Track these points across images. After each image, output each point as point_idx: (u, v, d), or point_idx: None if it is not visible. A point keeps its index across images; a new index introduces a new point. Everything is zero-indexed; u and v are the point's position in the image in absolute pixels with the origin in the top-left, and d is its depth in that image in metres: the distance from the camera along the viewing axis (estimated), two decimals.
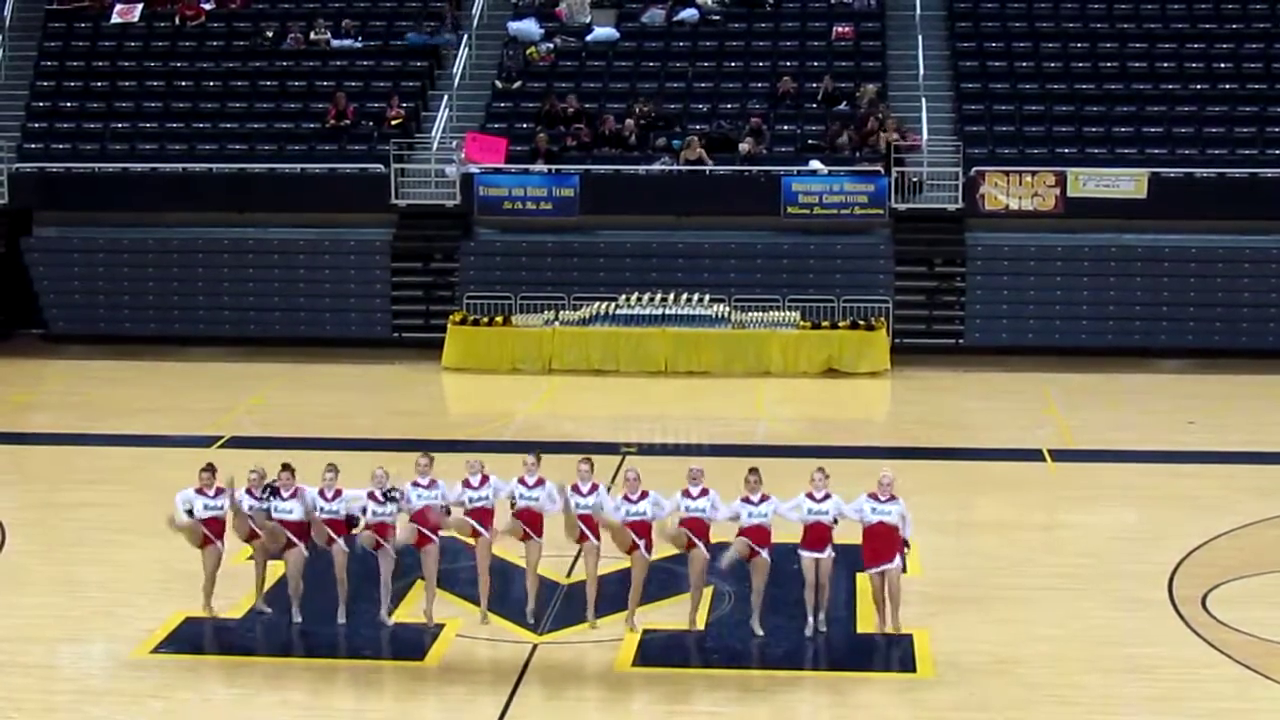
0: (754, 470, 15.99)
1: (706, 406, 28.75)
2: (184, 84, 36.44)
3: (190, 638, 16.16)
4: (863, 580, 17.08)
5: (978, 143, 33.38)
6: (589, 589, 16.34)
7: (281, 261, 34.34)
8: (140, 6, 37.75)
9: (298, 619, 16.33)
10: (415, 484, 16.28)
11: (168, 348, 33.21)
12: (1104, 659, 15.57)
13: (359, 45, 36.97)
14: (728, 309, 31.52)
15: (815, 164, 32.83)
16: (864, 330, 31.18)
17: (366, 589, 16.48)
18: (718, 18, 37.03)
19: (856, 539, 16.25)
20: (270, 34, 37.03)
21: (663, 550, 16.46)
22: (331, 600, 16.36)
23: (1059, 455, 24.41)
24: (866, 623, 16.41)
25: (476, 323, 31.77)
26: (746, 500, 15.87)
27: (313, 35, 37.03)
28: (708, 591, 16.70)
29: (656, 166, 33.17)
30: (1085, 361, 31.63)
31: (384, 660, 15.70)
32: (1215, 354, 31.99)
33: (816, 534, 15.94)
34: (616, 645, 15.86)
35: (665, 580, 16.42)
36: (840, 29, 36.60)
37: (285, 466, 16.38)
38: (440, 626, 16.22)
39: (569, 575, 17.62)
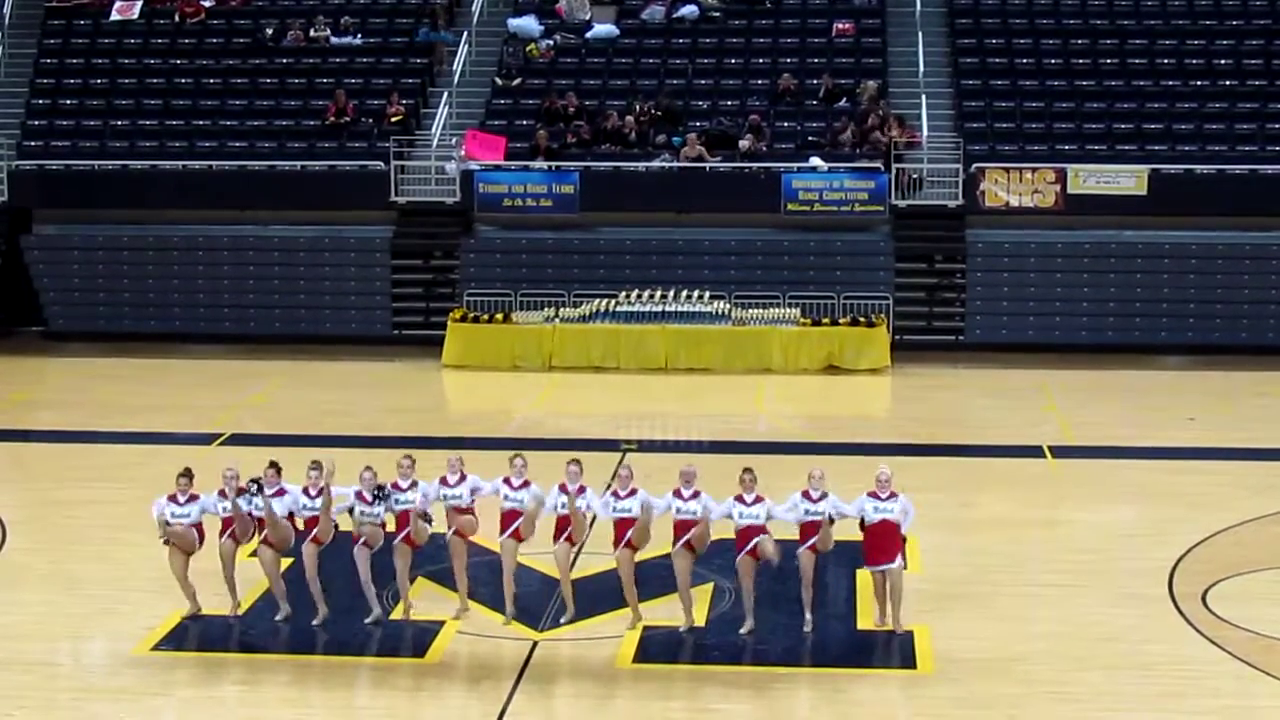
0: (748, 470, 15.96)
1: (707, 404, 28.75)
2: (184, 81, 36.44)
3: (191, 635, 16.16)
4: (863, 577, 17.10)
5: (978, 139, 33.38)
6: (563, 586, 16.35)
7: (282, 259, 34.34)
8: (140, 4, 37.74)
9: (279, 616, 16.32)
10: (395, 485, 16.23)
11: (168, 345, 33.20)
12: (1104, 655, 15.57)
13: (359, 42, 36.98)
14: (728, 306, 31.52)
15: (815, 161, 32.83)
16: (864, 327, 31.18)
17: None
18: (718, 14, 37.02)
19: (856, 535, 16.26)
20: (270, 31, 37.02)
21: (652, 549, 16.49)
22: (334, 598, 16.36)
23: (1059, 452, 24.42)
24: (866, 619, 16.41)
25: (477, 320, 31.78)
26: (740, 500, 15.84)
27: (312, 32, 37.03)
28: (703, 590, 16.69)
29: (657, 163, 33.16)
30: (1085, 358, 31.64)
31: (386, 657, 15.70)
32: (1215, 350, 32.00)
33: (808, 532, 15.92)
34: (617, 642, 15.87)
35: (667, 577, 16.40)
36: (840, 26, 36.61)
37: (272, 464, 16.34)
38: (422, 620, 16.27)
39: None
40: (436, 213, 33.81)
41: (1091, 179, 31.99)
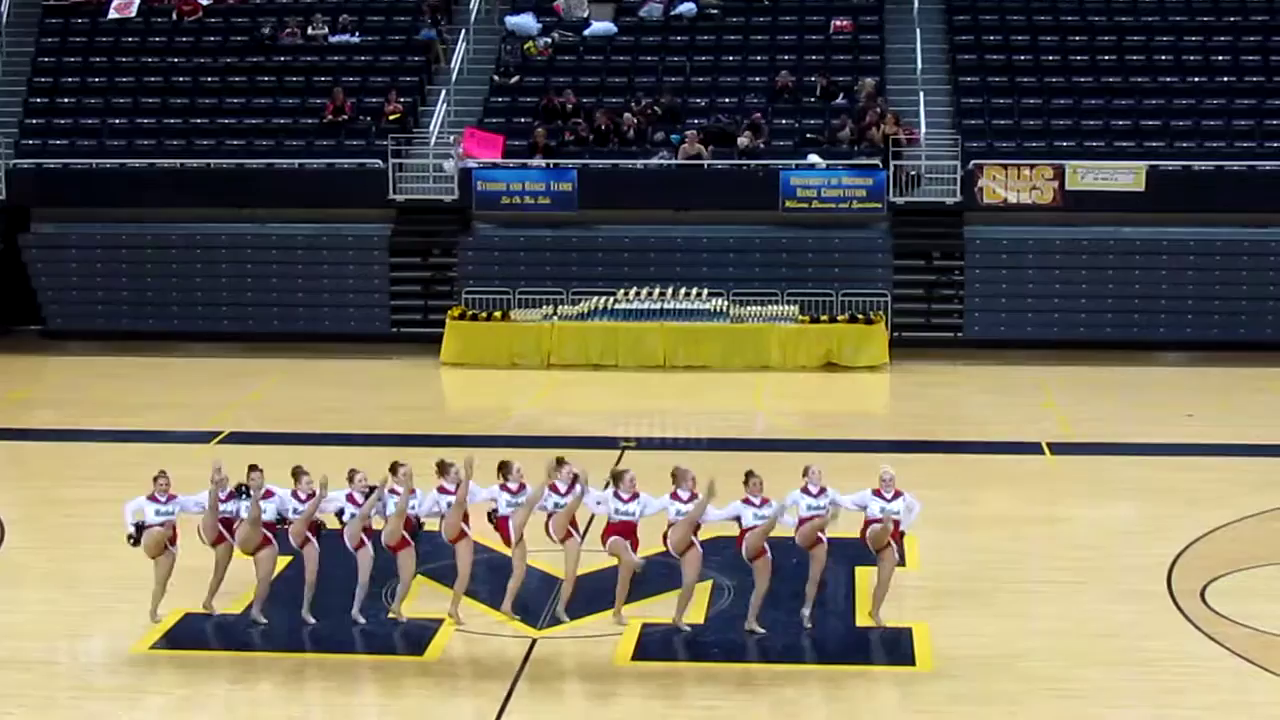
0: (752, 473, 15.93)
1: (705, 401, 28.75)
2: (182, 80, 36.44)
3: (190, 634, 16.15)
4: (862, 574, 17.11)
5: (976, 136, 33.38)
6: (565, 586, 16.33)
7: (280, 257, 34.34)
8: (137, 2, 37.71)
9: (262, 620, 16.29)
10: (393, 491, 16.20)
11: (166, 344, 33.20)
12: (1103, 652, 15.57)
13: (356, 40, 36.97)
14: (726, 303, 31.53)
15: (813, 158, 32.83)
16: (863, 324, 31.20)
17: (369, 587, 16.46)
18: (715, 12, 37.03)
19: (855, 533, 16.27)
20: (267, 29, 37.01)
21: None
22: (335, 597, 16.35)
23: (1058, 448, 24.42)
24: (865, 616, 16.40)
25: (475, 318, 31.77)
26: (748, 502, 15.81)
27: (310, 30, 37.03)
28: (702, 588, 16.70)
29: (655, 161, 33.16)
30: (1084, 355, 31.65)
31: (384, 655, 15.70)
32: (1214, 347, 32.01)
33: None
34: (615, 640, 15.87)
35: (666, 575, 16.40)
36: (838, 23, 36.63)
37: (253, 467, 16.30)
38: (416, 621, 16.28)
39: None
40: (435, 210, 33.81)
41: (1089, 175, 31.99)
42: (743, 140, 33.23)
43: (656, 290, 31.81)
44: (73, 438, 25.35)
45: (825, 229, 33.35)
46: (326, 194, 33.69)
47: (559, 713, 14.49)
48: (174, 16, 37.67)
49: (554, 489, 16.13)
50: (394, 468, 16.19)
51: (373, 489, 16.13)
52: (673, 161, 33.01)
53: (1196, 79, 34.69)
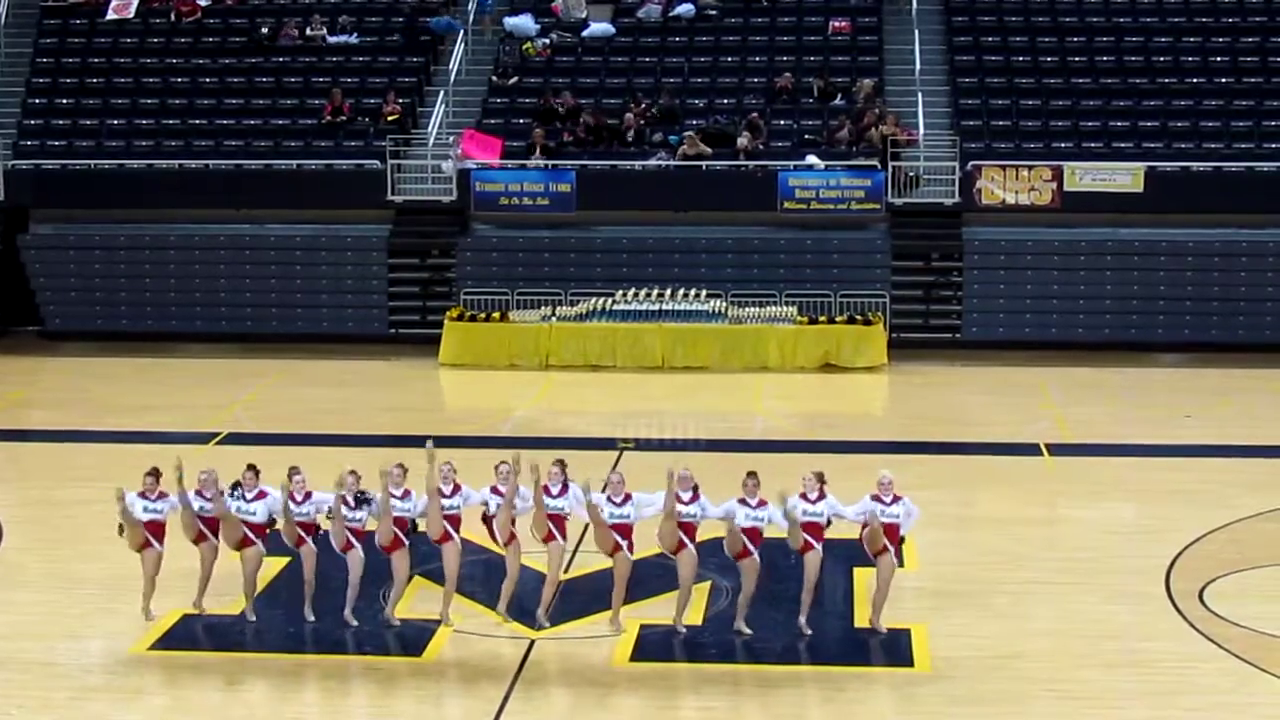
0: (752, 474, 15.93)
1: (704, 402, 28.75)
2: (180, 80, 36.43)
3: (188, 635, 16.16)
4: (861, 575, 17.12)
5: (974, 137, 33.38)
6: (546, 588, 16.30)
7: (278, 258, 34.32)
8: (136, 3, 37.69)
9: (251, 618, 16.33)
10: (389, 493, 16.19)
11: (165, 344, 33.18)
12: (1101, 653, 15.58)
13: (355, 41, 36.96)
14: (724, 304, 31.53)
15: (812, 159, 32.83)
16: (861, 325, 31.19)
17: (364, 587, 16.45)
18: (714, 12, 37.02)
19: (853, 534, 16.27)
20: (266, 30, 37.01)
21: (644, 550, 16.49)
22: (335, 598, 16.35)
23: (1056, 450, 24.42)
24: (864, 618, 16.40)
25: (474, 318, 31.77)
26: (744, 502, 15.80)
27: (309, 31, 37.02)
28: (700, 589, 16.70)
29: (653, 162, 33.16)
30: (1082, 356, 31.64)
31: (383, 656, 15.70)
32: (1212, 348, 31.99)
33: (811, 534, 15.90)
34: (614, 641, 15.87)
35: (664, 576, 16.40)
36: (837, 24, 36.63)
37: (250, 467, 16.32)
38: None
39: (566, 571, 17.61)
40: (433, 211, 33.80)
41: (1088, 177, 32.00)
42: (741, 141, 33.24)
43: (655, 291, 31.81)
44: (71, 438, 25.34)
45: (824, 230, 33.35)
46: (325, 195, 33.69)
47: (556, 715, 14.49)
48: (172, 17, 37.65)
49: (546, 491, 16.12)
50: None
51: (363, 493, 16.10)
52: (671, 162, 33.01)
53: (1195, 80, 34.69)
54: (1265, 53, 35.14)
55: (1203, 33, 35.76)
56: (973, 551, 19.14)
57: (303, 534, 16.13)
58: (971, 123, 33.93)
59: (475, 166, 33.00)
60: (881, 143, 32.81)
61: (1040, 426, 26.25)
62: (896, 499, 16.02)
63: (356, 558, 16.13)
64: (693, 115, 34.57)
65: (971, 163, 32.40)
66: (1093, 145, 33.30)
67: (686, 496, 15.83)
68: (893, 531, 15.96)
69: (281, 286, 34.17)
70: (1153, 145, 33.03)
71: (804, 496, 15.93)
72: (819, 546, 15.92)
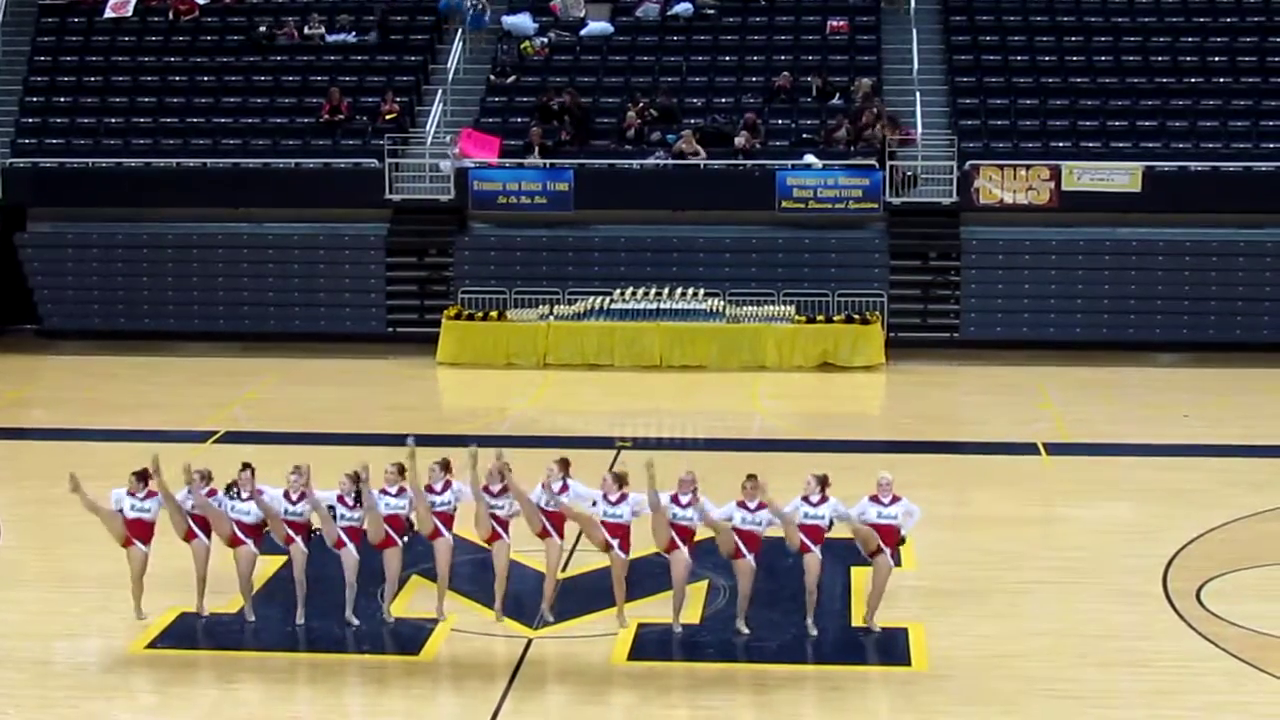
0: (751, 477, 15.91)
1: (701, 401, 28.76)
2: (178, 79, 36.41)
3: (186, 633, 16.16)
4: (858, 574, 17.12)
5: (972, 137, 33.38)
6: (547, 584, 16.31)
7: (276, 257, 34.33)
8: (133, 1, 37.67)
9: (251, 617, 16.35)
10: (384, 492, 16.18)
11: (162, 343, 33.19)
12: (1099, 653, 15.58)
13: (353, 40, 36.95)
14: (722, 303, 31.54)
15: (810, 158, 32.83)
16: (859, 324, 31.21)
17: (362, 586, 16.45)
18: (712, 11, 37.02)
19: (850, 533, 16.27)
20: (264, 29, 37.01)
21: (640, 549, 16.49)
22: (333, 596, 16.35)
23: (1054, 449, 24.43)
24: (861, 617, 16.40)
25: (471, 317, 31.78)
26: (742, 505, 15.78)
27: (307, 30, 37.01)
28: (698, 588, 16.71)
29: (651, 161, 33.16)
30: (1080, 355, 31.65)
31: (381, 655, 15.70)
32: (1210, 348, 32.02)
33: (810, 536, 15.89)
34: (611, 640, 15.87)
35: (662, 575, 16.38)
36: (835, 23, 36.63)
37: (245, 466, 16.32)
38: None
39: (563, 570, 17.62)
40: (431, 210, 33.79)
41: (1086, 176, 32.00)
42: (739, 140, 33.24)
43: (653, 290, 31.82)
44: (68, 437, 25.33)
45: (821, 229, 33.35)
46: (323, 194, 33.68)
47: (554, 713, 14.50)
48: (170, 16, 37.63)
49: (546, 488, 16.13)
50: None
51: (359, 493, 16.08)
52: (669, 161, 33.01)
53: (1193, 80, 34.69)
54: (1263, 52, 35.15)
55: (1201, 32, 35.77)
56: (970, 551, 19.14)
57: (291, 534, 16.12)
58: (969, 122, 33.93)
59: (473, 165, 32.99)
60: (879, 142, 32.81)
61: (1038, 426, 26.25)
62: (896, 499, 16.00)
63: (350, 556, 16.11)
64: (691, 114, 34.56)
65: (969, 162, 32.40)
66: (1091, 145, 33.30)
67: (685, 499, 15.80)
68: (890, 532, 15.93)
69: (279, 285, 34.18)
70: (1151, 145, 33.04)
71: (805, 499, 15.92)
72: (817, 549, 15.90)
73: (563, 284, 32.66)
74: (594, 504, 16.07)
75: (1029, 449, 24.48)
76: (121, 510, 16.21)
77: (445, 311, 31.99)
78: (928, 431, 26.11)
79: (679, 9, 36.91)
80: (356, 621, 16.24)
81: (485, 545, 16.38)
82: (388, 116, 34.37)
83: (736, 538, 15.72)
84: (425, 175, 33.48)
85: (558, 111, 33.93)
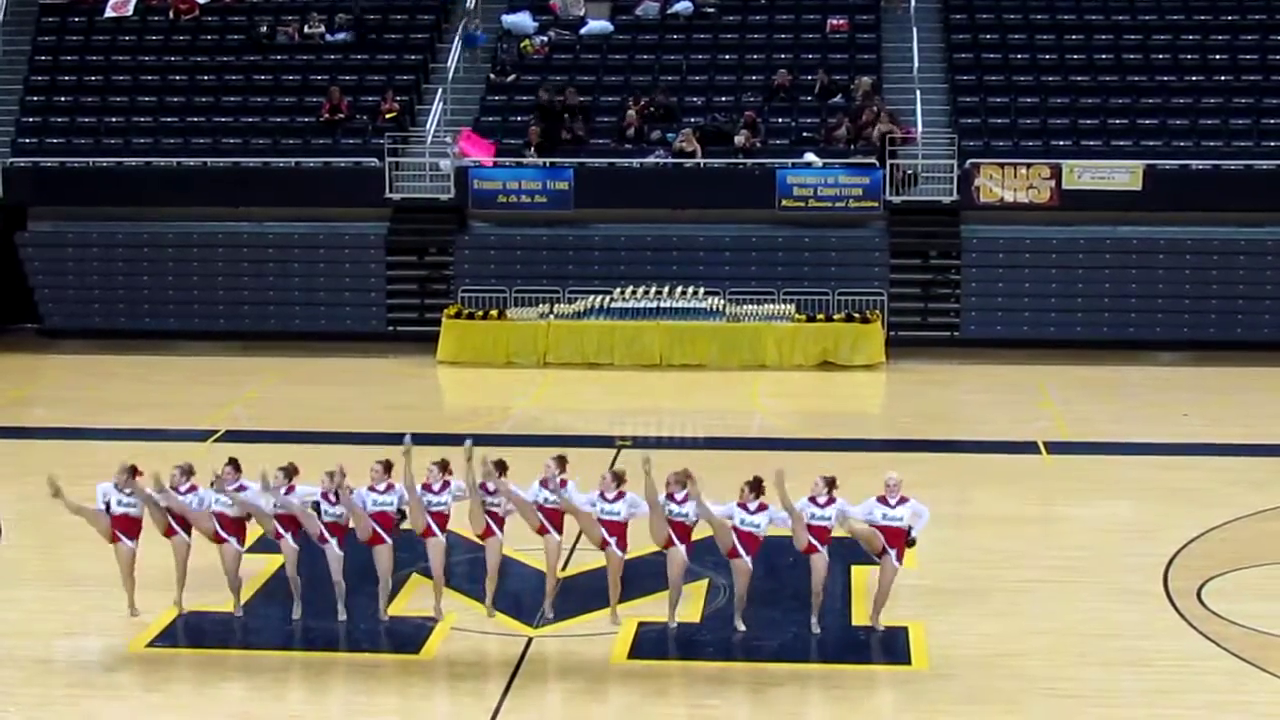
0: (751, 481, 15.89)
1: (702, 400, 28.76)
2: (178, 78, 36.40)
3: (186, 632, 16.16)
4: (858, 574, 17.12)
5: (973, 135, 33.37)
6: (548, 581, 16.31)
7: (276, 256, 34.33)
8: (134, 1, 37.68)
9: (239, 614, 16.38)
10: (372, 489, 16.18)
11: (162, 342, 33.20)
12: (1100, 652, 15.58)
13: (353, 39, 36.94)
14: (723, 302, 31.53)
15: (810, 157, 32.82)
16: (859, 323, 31.20)
17: (364, 584, 16.45)
18: (712, 10, 37.01)
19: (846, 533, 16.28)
20: (264, 28, 36.99)
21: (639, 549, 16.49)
22: (331, 595, 16.35)
23: (1054, 448, 24.42)
24: (861, 616, 16.41)
25: (471, 316, 31.77)
26: (743, 506, 15.77)
27: (307, 29, 37.01)
28: (698, 587, 16.70)
29: (651, 160, 33.15)
30: (1080, 354, 31.65)
31: (381, 654, 15.70)
32: (1211, 346, 32.01)
33: (817, 537, 15.87)
34: (611, 639, 15.87)
35: (661, 574, 16.37)
36: (834, 21, 36.62)
37: (230, 461, 16.33)
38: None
39: (564, 569, 17.63)
40: (431, 209, 33.79)
41: (1086, 175, 32.00)
42: (739, 139, 33.23)
43: (653, 289, 31.81)
44: (69, 436, 25.35)
45: (821, 228, 33.34)
46: (323, 193, 33.66)
47: (554, 712, 14.50)
48: (170, 15, 37.62)
49: (544, 485, 16.14)
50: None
51: (341, 488, 16.10)
52: (669, 160, 33.00)
53: (1194, 78, 34.68)
54: (1264, 50, 35.12)
55: (1201, 31, 35.74)
56: (970, 550, 19.14)
57: (280, 529, 16.12)
58: (970, 120, 33.92)
59: (473, 164, 32.99)
60: (880, 141, 32.79)
61: (1038, 425, 26.24)
62: (903, 500, 15.98)
63: (333, 552, 16.11)
64: (691, 113, 34.55)
65: (970, 161, 32.39)
66: (1091, 143, 33.28)
67: (680, 495, 15.81)
68: (896, 534, 15.90)
69: (279, 284, 34.17)
70: (1151, 143, 33.02)
71: (812, 500, 15.90)
72: (824, 550, 15.90)
73: (563, 283, 32.66)
74: (592, 504, 16.08)
75: (1029, 448, 24.48)
76: (108, 505, 16.23)
77: (445, 310, 31.98)
78: (928, 430, 26.10)
79: (679, 7, 36.90)
80: (344, 617, 16.22)
81: (479, 540, 16.38)
82: (388, 115, 34.36)
83: (735, 537, 15.72)
84: (425, 174, 33.48)
85: (558, 111, 33.91)
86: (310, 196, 33.71)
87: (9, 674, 15.12)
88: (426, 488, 16.15)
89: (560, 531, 16.25)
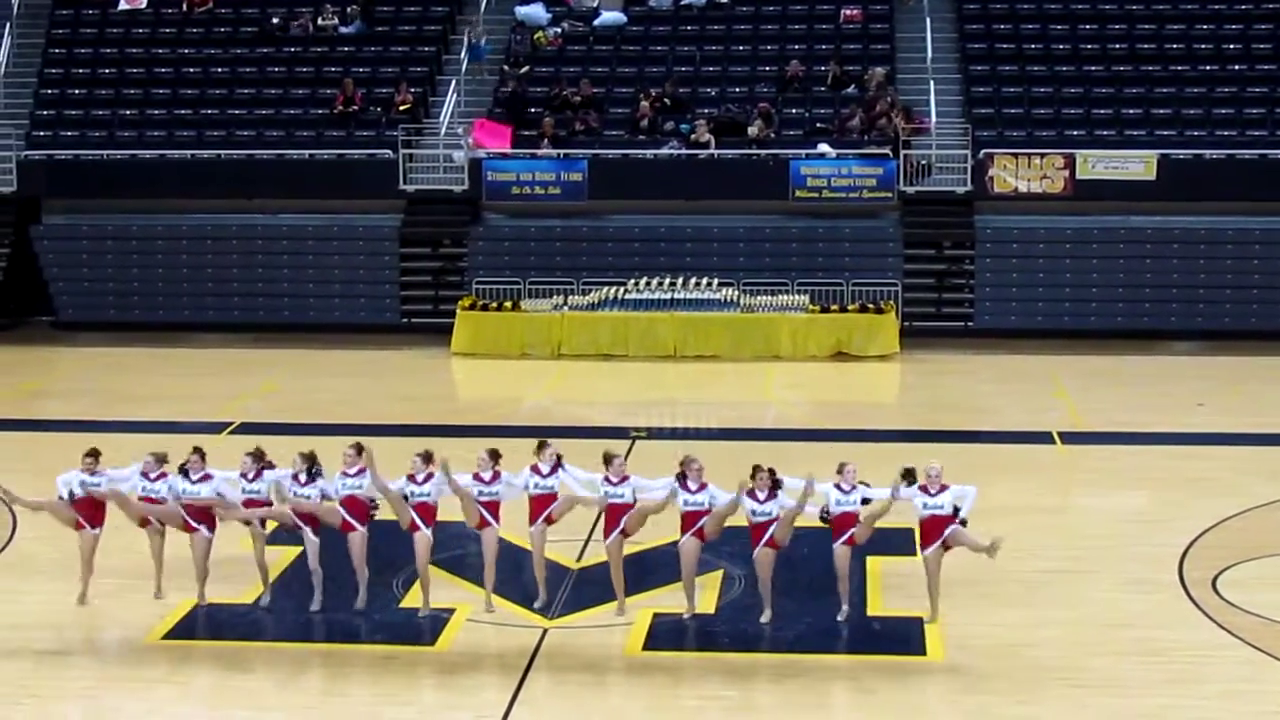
0: (759, 468, 15.86)
1: (715, 391, 28.76)
2: (192, 71, 36.49)
3: (201, 624, 16.19)
4: (873, 564, 17.13)
5: (986, 125, 33.35)
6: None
7: (290, 248, 34.40)
8: None
9: (204, 604, 16.41)
10: (344, 474, 16.17)
11: (177, 335, 33.27)
12: (1114, 642, 15.56)
13: (366, 31, 36.96)
14: (736, 293, 31.53)
15: (824, 147, 32.81)
16: (873, 314, 31.18)
17: (379, 576, 16.47)
18: (725, 1, 37.00)
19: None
20: (277, 20, 37.03)
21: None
22: (344, 586, 16.37)
23: (1069, 438, 24.40)
24: (877, 606, 16.40)
25: (485, 308, 31.79)
26: (752, 495, 15.75)
27: (320, 21, 37.04)
28: (713, 577, 16.70)
29: (665, 151, 33.14)
30: (1094, 344, 31.62)
31: (396, 645, 15.71)
32: (1225, 336, 31.97)
33: (843, 524, 15.86)
34: (626, 630, 15.88)
35: (676, 565, 16.37)
36: (848, 12, 36.60)
37: (195, 449, 16.36)
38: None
39: (579, 560, 17.66)
40: (445, 201, 33.83)
41: (1100, 164, 31.96)
42: (753, 130, 33.22)
43: (667, 280, 31.82)
44: (84, 428, 25.32)
45: (835, 218, 33.34)
46: (337, 185, 33.73)
47: (570, 703, 14.50)
48: (184, 7, 37.71)
49: (536, 470, 16.15)
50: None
51: (314, 469, 16.11)
52: (683, 151, 32.99)
53: (1208, 67, 34.63)
54: (1278, 39, 35.08)
55: (1216, 20, 35.68)
56: (984, 539, 19.07)
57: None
58: (983, 110, 33.89)
59: (487, 156, 33.01)
60: (893, 131, 32.77)
61: (1052, 415, 26.21)
62: (943, 488, 15.88)
63: (309, 541, 16.13)
64: (704, 104, 34.54)
65: (983, 151, 32.37)
66: (1105, 133, 33.26)
67: (694, 487, 15.82)
68: (938, 523, 15.78)
69: (293, 276, 34.24)
70: (1165, 133, 32.99)
71: (838, 487, 15.89)
72: (844, 540, 15.88)
73: (577, 274, 32.67)
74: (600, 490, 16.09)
75: (1044, 438, 24.45)
76: (72, 491, 16.25)
77: (459, 302, 32.02)
78: (942, 421, 26.09)
79: None
80: (317, 607, 16.20)
81: (476, 530, 16.39)
82: (401, 107, 34.38)
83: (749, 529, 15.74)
84: (439, 166, 33.52)
85: (572, 103, 33.92)
86: (324, 188, 33.78)
87: (26, 665, 15.15)
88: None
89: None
